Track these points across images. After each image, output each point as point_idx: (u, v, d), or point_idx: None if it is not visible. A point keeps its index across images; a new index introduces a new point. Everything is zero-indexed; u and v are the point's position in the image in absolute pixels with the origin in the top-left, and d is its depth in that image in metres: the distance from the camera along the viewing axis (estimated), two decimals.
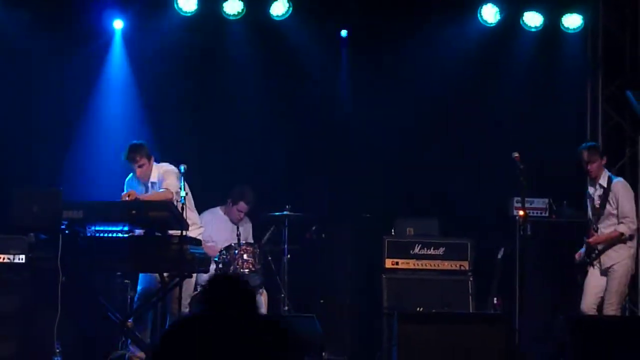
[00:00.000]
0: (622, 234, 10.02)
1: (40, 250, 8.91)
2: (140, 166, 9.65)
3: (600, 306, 9.99)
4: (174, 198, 9.28)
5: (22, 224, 8.89)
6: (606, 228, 10.09)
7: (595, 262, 10.06)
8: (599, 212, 10.11)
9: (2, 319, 9.38)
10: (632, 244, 10.12)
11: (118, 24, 11.50)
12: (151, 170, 9.71)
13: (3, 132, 11.03)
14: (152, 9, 11.47)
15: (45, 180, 10.57)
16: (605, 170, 10.22)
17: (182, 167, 9.23)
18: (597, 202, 10.15)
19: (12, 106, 11.09)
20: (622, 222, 10.04)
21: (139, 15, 11.45)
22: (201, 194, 10.22)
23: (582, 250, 10.16)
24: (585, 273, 10.10)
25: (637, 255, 10.31)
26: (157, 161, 9.80)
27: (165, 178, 9.59)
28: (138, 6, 11.43)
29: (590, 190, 10.26)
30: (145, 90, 11.46)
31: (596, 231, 10.09)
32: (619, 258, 10.02)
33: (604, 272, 10.06)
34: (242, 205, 11.06)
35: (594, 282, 10.09)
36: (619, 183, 10.19)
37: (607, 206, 10.09)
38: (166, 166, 9.74)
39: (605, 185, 10.12)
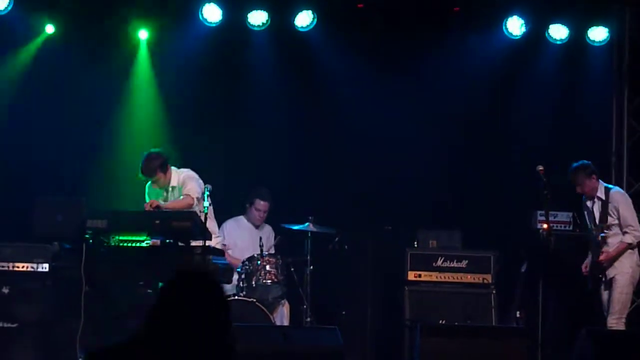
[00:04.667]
0: (629, 244, 10.04)
1: (63, 259, 8.95)
2: (154, 181, 9.70)
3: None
4: (195, 205, 9.31)
5: (45, 233, 8.93)
6: (612, 238, 10.09)
7: (602, 275, 10.11)
8: (601, 225, 10.10)
9: (25, 328, 9.42)
10: (634, 251, 10.11)
11: (143, 35, 11.54)
12: (169, 177, 9.74)
13: (28, 140, 11.09)
14: (177, 19, 11.49)
15: (69, 189, 10.62)
16: (600, 182, 10.20)
17: (208, 187, 9.25)
18: (597, 215, 10.13)
19: (36, 114, 11.13)
20: (626, 232, 10.05)
21: (164, 25, 11.47)
22: (223, 204, 10.24)
23: (588, 260, 10.21)
24: (596, 282, 10.14)
25: None
26: (178, 167, 9.86)
27: (186, 184, 9.62)
28: (163, 17, 11.46)
29: (588, 203, 10.24)
30: (170, 100, 11.48)
31: (599, 246, 10.09)
32: (621, 268, 10.04)
33: (608, 283, 10.08)
34: (259, 202, 10.91)
35: (605, 296, 10.15)
36: (617, 193, 10.21)
37: (609, 218, 10.09)
38: (187, 172, 9.78)
39: (604, 198, 10.12)
